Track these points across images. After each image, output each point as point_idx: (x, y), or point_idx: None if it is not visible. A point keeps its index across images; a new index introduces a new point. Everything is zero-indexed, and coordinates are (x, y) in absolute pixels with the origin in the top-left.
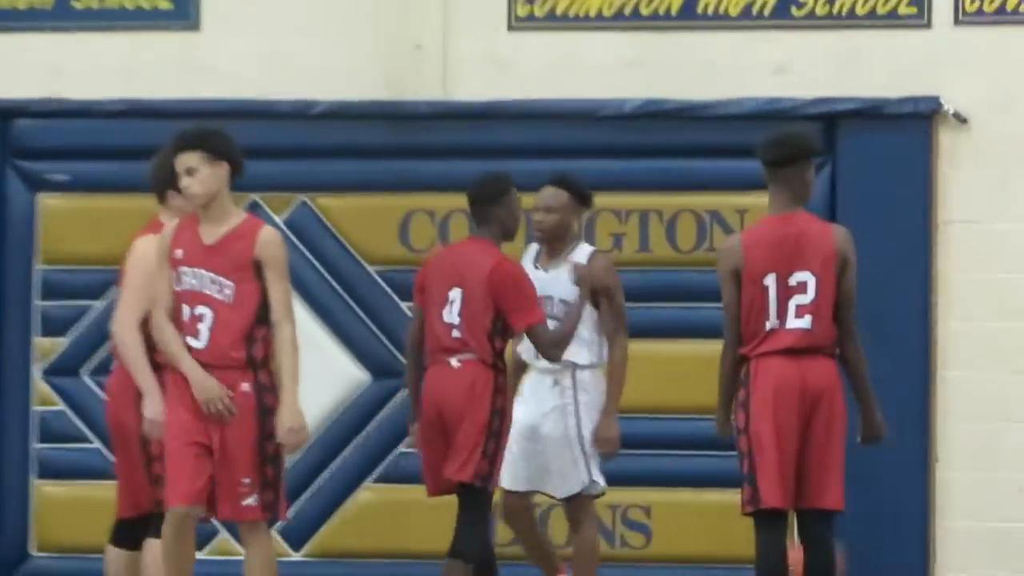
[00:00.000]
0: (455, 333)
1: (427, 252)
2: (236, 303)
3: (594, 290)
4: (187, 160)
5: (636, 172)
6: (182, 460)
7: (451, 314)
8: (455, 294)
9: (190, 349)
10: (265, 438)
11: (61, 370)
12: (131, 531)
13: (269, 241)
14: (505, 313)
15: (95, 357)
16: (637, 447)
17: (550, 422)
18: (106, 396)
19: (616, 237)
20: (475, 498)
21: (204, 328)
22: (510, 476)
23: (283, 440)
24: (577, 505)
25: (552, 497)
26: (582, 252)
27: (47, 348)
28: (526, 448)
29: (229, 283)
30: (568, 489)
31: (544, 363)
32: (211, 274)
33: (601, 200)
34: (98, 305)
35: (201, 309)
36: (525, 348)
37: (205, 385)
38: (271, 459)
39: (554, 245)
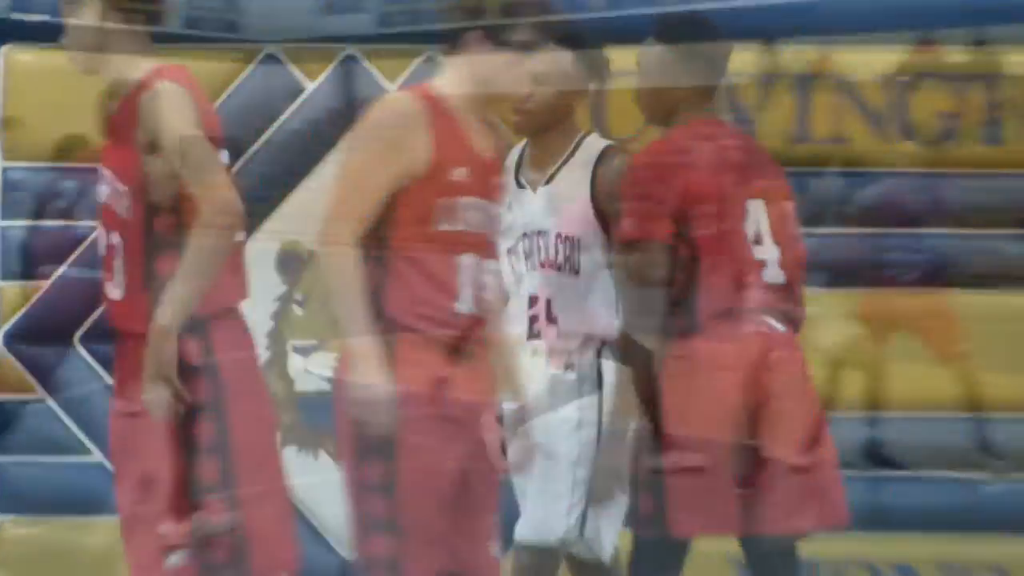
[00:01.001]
0: (772, 275)
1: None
2: (132, 219)
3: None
4: None
5: None
6: None
7: (761, 244)
8: (756, 208)
9: (110, 303)
10: (197, 452)
11: (36, 335)
12: None
13: (152, 105)
14: None
15: (96, 315)
16: None
17: (558, 429)
18: None
19: None
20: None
21: (119, 267)
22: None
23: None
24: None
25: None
26: (591, 150)
27: (13, 299)
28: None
29: (122, 186)
30: (540, 530)
31: (546, 341)
32: (110, 174)
33: None
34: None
35: (115, 236)
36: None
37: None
38: (207, 487)
39: (543, 140)
